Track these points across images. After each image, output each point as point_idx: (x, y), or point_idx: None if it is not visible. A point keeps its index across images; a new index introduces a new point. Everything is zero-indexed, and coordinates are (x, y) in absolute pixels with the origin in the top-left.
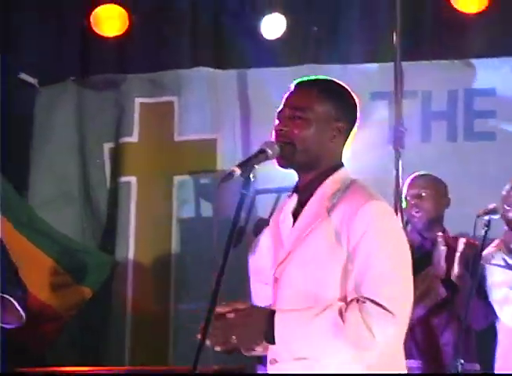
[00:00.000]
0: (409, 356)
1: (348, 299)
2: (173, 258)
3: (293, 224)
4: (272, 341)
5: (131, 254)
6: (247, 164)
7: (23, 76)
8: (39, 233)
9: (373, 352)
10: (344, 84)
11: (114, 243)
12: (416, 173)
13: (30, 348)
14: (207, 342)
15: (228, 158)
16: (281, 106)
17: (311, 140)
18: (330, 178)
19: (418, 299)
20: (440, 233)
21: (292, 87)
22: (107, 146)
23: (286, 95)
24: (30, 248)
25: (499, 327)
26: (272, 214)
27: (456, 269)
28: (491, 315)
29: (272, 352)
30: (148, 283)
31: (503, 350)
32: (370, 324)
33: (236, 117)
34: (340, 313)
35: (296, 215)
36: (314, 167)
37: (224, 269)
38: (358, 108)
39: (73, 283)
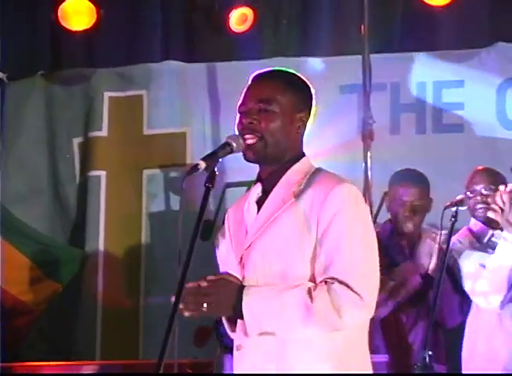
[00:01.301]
0: (376, 350)
1: (317, 281)
2: (143, 252)
3: (258, 212)
4: (240, 315)
5: (101, 248)
6: (212, 158)
7: None
8: (10, 228)
9: (340, 332)
10: (300, 75)
11: (84, 237)
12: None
13: (3, 342)
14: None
15: (197, 152)
16: (243, 100)
17: (279, 133)
18: (294, 166)
19: (393, 291)
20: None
21: (253, 80)
22: (76, 141)
23: (246, 89)
24: (2, 243)
25: (470, 313)
26: (217, 214)
27: (433, 261)
28: (465, 310)
29: (237, 337)
30: (118, 276)
31: (470, 332)
32: (338, 305)
33: (205, 111)
34: (309, 292)
35: (260, 203)
36: (280, 159)
37: (189, 262)
38: (313, 98)
39: (44, 277)
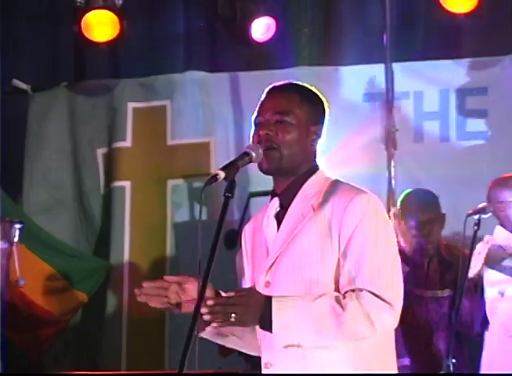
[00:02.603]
0: (399, 354)
1: (342, 292)
2: (168, 262)
3: (278, 227)
4: (267, 325)
5: (126, 259)
6: (231, 167)
7: (16, 82)
8: (35, 240)
9: (366, 340)
10: (314, 89)
11: (109, 248)
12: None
13: (27, 353)
14: (205, 317)
15: (221, 161)
16: (259, 111)
17: (295, 144)
18: (311, 179)
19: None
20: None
21: (268, 92)
22: (100, 152)
23: (263, 101)
24: (27, 254)
25: (489, 326)
26: (241, 223)
27: (478, 268)
28: (486, 320)
29: (265, 354)
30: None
31: (489, 356)
32: (368, 312)
33: (228, 120)
34: (338, 301)
35: (279, 218)
36: (295, 171)
37: (209, 271)
38: (327, 112)
39: (70, 288)
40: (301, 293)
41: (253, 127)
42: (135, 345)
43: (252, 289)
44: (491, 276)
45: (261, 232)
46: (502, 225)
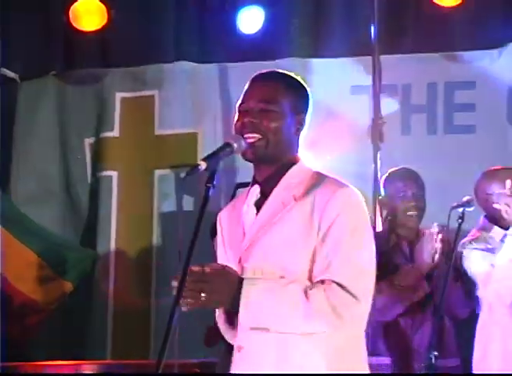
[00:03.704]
0: (379, 352)
1: (314, 281)
2: (154, 252)
3: (257, 214)
4: (237, 307)
5: (112, 249)
6: (213, 158)
7: (4, 71)
8: (22, 228)
9: (340, 332)
10: (298, 78)
11: (96, 237)
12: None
13: (13, 341)
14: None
15: (209, 152)
16: (244, 100)
17: (280, 133)
18: (293, 168)
19: (399, 295)
20: (436, 229)
21: (253, 80)
22: (88, 141)
23: (248, 89)
24: (14, 243)
25: (480, 313)
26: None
27: (436, 258)
28: (471, 303)
29: (238, 338)
30: (129, 277)
31: (483, 333)
32: (333, 304)
33: (217, 111)
34: (305, 290)
35: (259, 205)
36: (279, 160)
37: (189, 261)
38: (311, 101)
39: (56, 276)
40: (273, 277)
41: (236, 114)
42: (120, 334)
43: (225, 267)
44: (480, 255)
45: (239, 218)
46: (486, 217)
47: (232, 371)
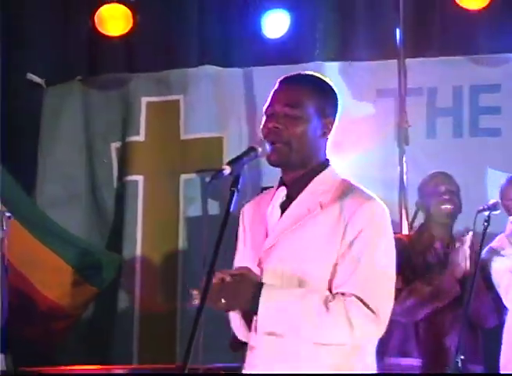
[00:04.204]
0: (410, 354)
1: (334, 292)
2: (180, 256)
3: (281, 216)
4: (255, 311)
5: (138, 253)
6: (237, 162)
7: (31, 76)
8: (48, 233)
9: (349, 344)
10: (327, 79)
11: (122, 242)
12: None
13: (39, 346)
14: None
15: (234, 156)
16: (270, 103)
17: (305, 138)
18: (321, 175)
19: (429, 297)
20: (470, 234)
21: (280, 83)
22: (114, 146)
23: (274, 92)
24: (40, 248)
25: (506, 318)
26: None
27: (467, 265)
28: (500, 312)
29: (252, 339)
30: (155, 281)
31: (508, 341)
32: (351, 318)
33: (242, 116)
34: (325, 301)
35: (284, 207)
36: (305, 165)
37: (214, 265)
38: (339, 104)
39: (82, 281)
40: (292, 282)
41: (264, 117)
42: (146, 338)
43: (245, 274)
44: (501, 261)
45: (263, 218)
46: None
47: (244, 370)
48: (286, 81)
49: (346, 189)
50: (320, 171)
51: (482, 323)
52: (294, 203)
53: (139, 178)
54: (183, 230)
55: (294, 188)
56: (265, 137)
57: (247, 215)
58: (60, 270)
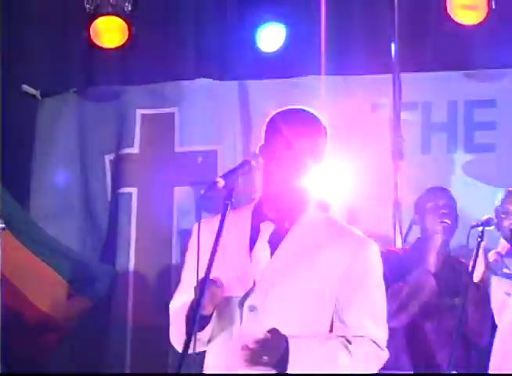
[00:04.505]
0: (401, 366)
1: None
2: (173, 270)
3: (272, 253)
4: (282, 367)
5: (131, 266)
6: (231, 175)
7: (25, 87)
8: (41, 245)
9: None
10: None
11: (115, 254)
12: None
13: (31, 359)
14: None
15: (228, 169)
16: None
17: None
18: (309, 211)
19: (407, 297)
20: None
21: (290, 116)
22: (108, 158)
23: (285, 124)
24: (33, 259)
25: (494, 340)
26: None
27: (481, 270)
28: (492, 329)
29: None
30: (148, 294)
31: (497, 360)
32: (372, 358)
33: (236, 129)
34: (345, 346)
35: (272, 242)
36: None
37: (208, 278)
38: None
39: (74, 293)
40: (291, 323)
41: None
42: (139, 351)
43: (278, 332)
44: (496, 281)
45: (244, 249)
46: (504, 238)
47: None
48: (304, 126)
49: (341, 230)
50: (306, 206)
51: (478, 338)
52: (286, 241)
53: (133, 190)
54: (177, 243)
55: (281, 222)
56: None
57: (208, 236)
58: (53, 282)
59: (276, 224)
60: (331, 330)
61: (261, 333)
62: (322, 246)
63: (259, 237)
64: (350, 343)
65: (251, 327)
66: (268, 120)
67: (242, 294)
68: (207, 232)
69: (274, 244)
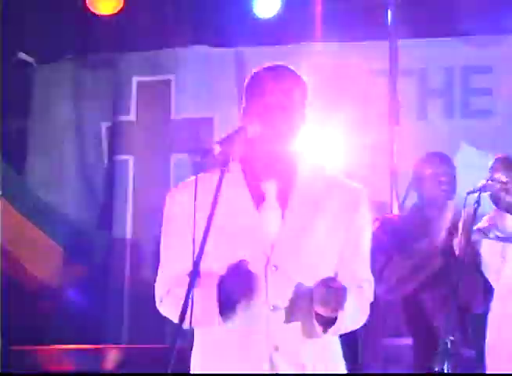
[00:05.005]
0: (400, 333)
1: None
2: None
3: (283, 212)
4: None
5: (128, 233)
6: (227, 142)
7: (21, 55)
8: (38, 212)
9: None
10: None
11: (111, 221)
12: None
13: (27, 326)
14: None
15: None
16: (265, 91)
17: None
18: (304, 163)
19: (411, 271)
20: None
21: (269, 73)
22: (104, 125)
23: (265, 81)
24: (29, 227)
25: (492, 304)
26: None
27: (455, 242)
28: (489, 297)
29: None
30: (145, 260)
31: (494, 325)
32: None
33: (232, 96)
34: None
35: (278, 201)
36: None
37: (205, 243)
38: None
39: (72, 261)
40: (310, 278)
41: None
42: (136, 319)
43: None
44: (490, 246)
45: (250, 208)
46: (495, 203)
47: None
48: (277, 72)
49: (334, 178)
50: (300, 158)
51: (471, 306)
52: (292, 197)
53: (130, 157)
54: None
55: (284, 179)
56: None
57: (206, 192)
58: (50, 250)
59: (278, 182)
60: None
61: (288, 291)
62: (326, 200)
63: (266, 197)
64: (361, 289)
65: (278, 286)
66: (245, 83)
67: (259, 254)
68: (185, 195)
69: (281, 202)
